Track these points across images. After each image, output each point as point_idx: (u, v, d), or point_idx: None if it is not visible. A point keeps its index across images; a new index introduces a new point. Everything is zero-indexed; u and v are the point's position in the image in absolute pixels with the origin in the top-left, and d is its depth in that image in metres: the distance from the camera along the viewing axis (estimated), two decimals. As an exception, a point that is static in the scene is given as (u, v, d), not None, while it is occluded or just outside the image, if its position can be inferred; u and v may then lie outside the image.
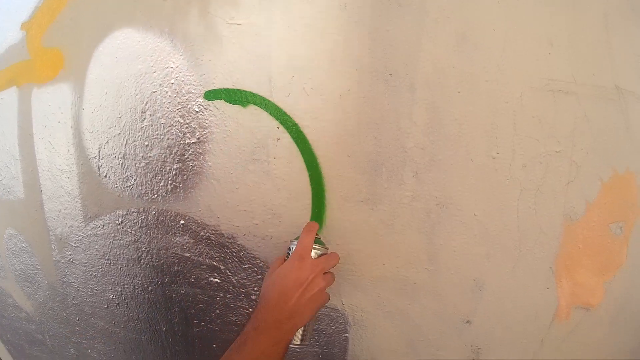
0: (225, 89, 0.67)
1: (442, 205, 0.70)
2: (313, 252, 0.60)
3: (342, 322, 0.75)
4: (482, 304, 0.78)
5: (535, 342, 0.85)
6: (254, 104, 0.67)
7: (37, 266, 0.92)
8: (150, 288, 0.79)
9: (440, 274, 0.74)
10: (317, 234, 0.63)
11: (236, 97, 0.67)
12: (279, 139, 0.67)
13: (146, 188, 0.74)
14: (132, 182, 0.75)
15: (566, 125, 0.76)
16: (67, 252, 0.86)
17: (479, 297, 0.77)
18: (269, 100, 0.66)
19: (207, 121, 0.68)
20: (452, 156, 0.69)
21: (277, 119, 0.67)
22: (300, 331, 0.59)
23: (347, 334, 0.76)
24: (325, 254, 0.62)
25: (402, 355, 0.79)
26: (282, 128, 0.67)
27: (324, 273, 0.60)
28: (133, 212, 0.76)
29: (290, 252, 0.62)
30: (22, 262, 0.94)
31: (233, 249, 0.72)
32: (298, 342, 0.59)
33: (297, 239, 0.62)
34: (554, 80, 0.74)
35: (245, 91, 0.67)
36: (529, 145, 0.73)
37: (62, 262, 0.87)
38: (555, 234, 0.79)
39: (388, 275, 0.72)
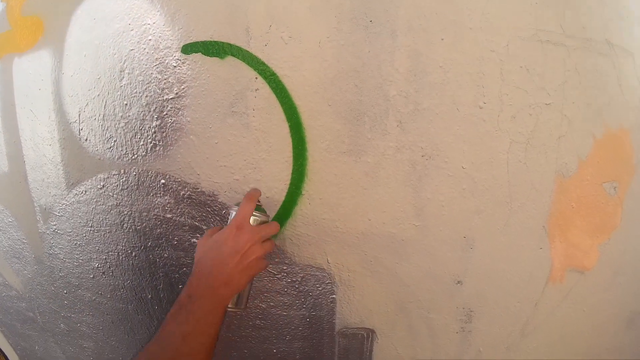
0: (202, 42, 0.66)
1: (428, 156, 0.68)
2: (252, 219, 0.59)
3: (328, 283, 0.73)
4: (473, 264, 0.75)
5: (529, 306, 0.82)
6: (232, 55, 0.65)
7: (23, 240, 0.91)
8: (134, 254, 0.78)
9: (429, 230, 0.72)
10: (258, 202, 0.61)
11: (213, 49, 0.65)
12: (257, 89, 0.65)
13: (126, 149, 0.72)
14: (112, 144, 0.73)
15: (556, 77, 0.74)
16: (52, 223, 0.85)
17: (469, 255, 0.75)
18: (247, 51, 0.65)
19: (184, 75, 0.67)
20: (438, 105, 0.67)
21: (255, 70, 0.65)
22: (235, 296, 0.58)
23: (334, 295, 0.74)
24: (266, 222, 0.61)
25: (392, 317, 0.77)
26: (260, 79, 0.65)
27: (263, 241, 0.58)
28: (114, 174, 0.75)
29: (229, 218, 0.60)
30: (9, 238, 0.93)
31: (214, 208, 0.70)
32: (233, 306, 0.58)
33: (237, 204, 0.60)
34: (542, 30, 0.72)
35: (222, 42, 0.65)
36: (517, 96, 0.71)
37: (48, 234, 0.86)
38: (547, 190, 0.76)
39: (374, 231, 0.70)
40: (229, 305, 0.57)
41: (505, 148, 0.72)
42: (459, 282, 0.75)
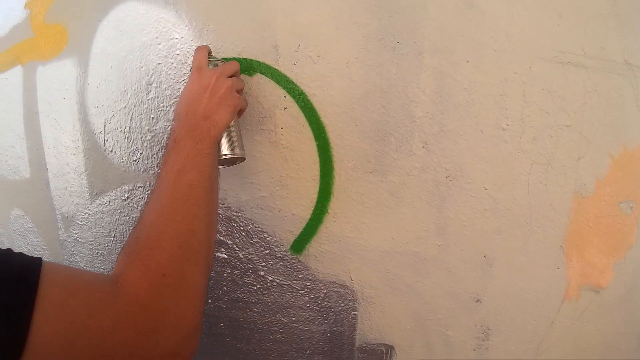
0: (231, 58, 0.66)
1: (451, 177, 0.69)
2: (215, 63, 0.59)
3: (350, 300, 0.74)
4: (492, 282, 0.76)
5: (545, 324, 0.83)
6: (260, 72, 0.66)
7: (43, 246, 0.91)
8: (156, 265, 0.78)
9: (450, 249, 0.72)
10: (210, 55, 0.62)
11: (242, 66, 0.66)
12: (286, 108, 0.66)
13: (152, 162, 0.73)
14: (138, 156, 0.74)
15: (576, 98, 0.75)
16: (73, 231, 0.85)
17: (489, 274, 0.75)
18: (276, 69, 0.65)
19: (213, 92, 0.67)
20: (462, 126, 0.68)
21: (283, 88, 0.66)
22: (224, 139, 0.57)
23: (356, 312, 0.75)
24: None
25: (411, 334, 0.77)
26: (289, 97, 0.66)
27: (230, 77, 0.58)
28: (139, 186, 0.75)
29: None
30: (28, 243, 0.94)
31: (240, 223, 0.71)
32: (227, 151, 0.57)
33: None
34: (563, 52, 0.73)
35: (251, 60, 0.66)
36: (539, 118, 0.72)
37: (69, 242, 0.86)
38: (565, 210, 0.77)
39: (397, 249, 0.71)
40: (223, 152, 0.57)
41: (527, 169, 0.72)
42: (478, 300, 0.76)
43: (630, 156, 0.83)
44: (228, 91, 0.56)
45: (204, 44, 0.65)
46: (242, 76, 0.66)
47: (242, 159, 0.61)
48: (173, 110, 0.70)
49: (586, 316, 0.86)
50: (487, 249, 0.73)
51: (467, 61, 0.68)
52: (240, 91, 0.60)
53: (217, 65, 0.60)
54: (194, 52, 0.62)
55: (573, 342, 0.87)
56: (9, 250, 0.37)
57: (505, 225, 0.73)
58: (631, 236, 0.88)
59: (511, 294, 0.78)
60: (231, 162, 0.61)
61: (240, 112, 0.62)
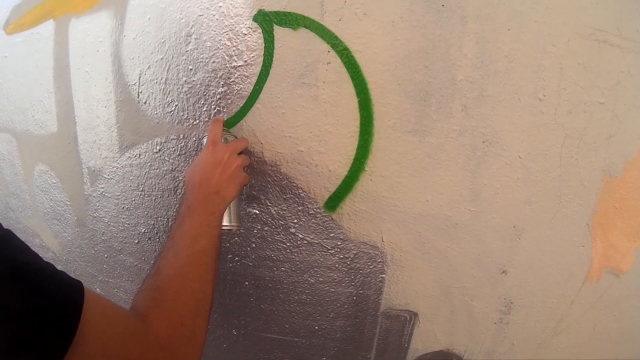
0: (275, 12, 0.66)
1: (488, 142, 0.69)
2: (223, 139, 0.65)
3: (380, 262, 0.74)
4: (519, 254, 0.76)
5: (565, 303, 0.83)
6: (305, 27, 0.66)
7: (67, 202, 0.91)
8: (183, 220, 0.78)
9: (482, 216, 0.72)
10: (224, 127, 0.67)
11: (286, 19, 0.66)
12: (329, 63, 0.66)
13: (187, 113, 0.73)
14: (173, 108, 0.74)
15: (610, 77, 0.75)
16: (99, 185, 0.85)
17: (517, 245, 0.76)
18: (320, 24, 0.65)
19: (255, 44, 0.68)
20: (500, 93, 0.68)
21: (327, 43, 0.66)
22: (226, 213, 0.64)
23: (384, 275, 0.75)
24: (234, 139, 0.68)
25: (436, 302, 0.77)
26: (332, 52, 0.66)
27: (238, 154, 0.65)
28: (172, 139, 0.75)
29: (202, 145, 0.67)
30: (51, 199, 0.93)
31: (275, 178, 0.71)
32: (227, 224, 0.65)
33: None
34: (599, 30, 0.73)
35: (296, 14, 0.66)
36: (574, 92, 0.72)
37: (94, 196, 0.86)
38: (594, 188, 0.77)
39: (430, 212, 0.71)
40: (224, 223, 0.64)
41: (560, 142, 0.73)
42: (503, 271, 0.76)
43: (659, 142, 0.83)
44: (237, 169, 0.63)
45: (220, 117, 0.70)
46: (285, 29, 0.66)
47: (238, 229, 0.71)
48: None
49: (604, 300, 0.86)
50: (517, 219, 0.73)
51: (509, 29, 0.68)
52: (245, 168, 0.68)
53: (228, 138, 0.67)
54: (210, 124, 0.67)
55: (589, 326, 0.87)
56: (53, 269, 0.42)
57: (536, 197, 0.73)
58: (653, 224, 0.89)
59: (536, 268, 0.78)
60: (227, 231, 0.70)
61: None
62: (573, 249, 0.79)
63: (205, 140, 0.67)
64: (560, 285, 0.81)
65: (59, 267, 0.42)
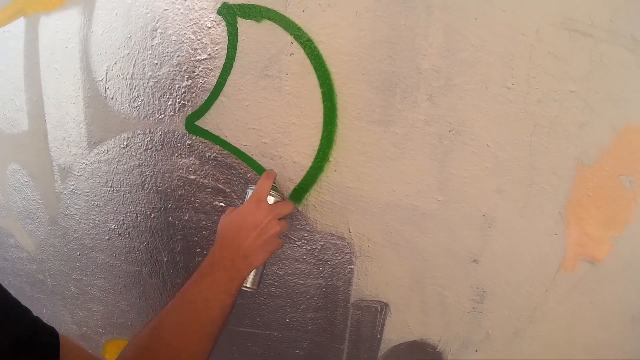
0: (239, 4, 0.66)
1: (455, 131, 0.69)
2: (270, 199, 0.62)
3: (348, 253, 0.74)
4: (490, 243, 0.76)
5: (540, 291, 0.83)
6: (268, 18, 0.66)
7: (39, 200, 0.90)
8: (152, 215, 0.78)
9: (450, 205, 0.72)
10: (274, 183, 0.64)
11: (250, 11, 0.66)
12: (292, 54, 0.66)
13: (153, 108, 0.72)
14: (140, 103, 0.73)
15: (582, 66, 0.75)
16: (70, 182, 0.84)
17: (487, 234, 0.75)
18: (284, 15, 0.65)
19: (219, 37, 0.67)
20: (468, 82, 0.68)
21: (291, 34, 0.65)
22: (252, 274, 0.61)
23: (352, 266, 0.75)
24: (281, 201, 0.64)
25: (407, 292, 0.77)
26: (296, 43, 0.65)
27: (279, 219, 0.61)
28: (139, 134, 0.74)
29: (246, 197, 0.63)
30: (24, 198, 0.93)
31: (240, 170, 0.71)
32: (249, 285, 0.61)
33: (254, 185, 0.63)
34: (571, 19, 0.73)
35: (260, 6, 0.65)
36: (544, 80, 0.72)
37: (65, 194, 0.85)
38: (567, 176, 0.77)
39: (397, 202, 0.71)
40: (245, 284, 0.61)
41: (530, 130, 0.72)
42: (475, 260, 0.76)
43: (634, 131, 0.83)
44: (273, 237, 0.59)
45: (272, 171, 0.66)
46: (249, 22, 0.66)
47: (255, 292, 0.66)
48: (178, 59, 0.69)
49: (580, 287, 0.86)
50: (487, 207, 0.73)
51: (476, 19, 0.68)
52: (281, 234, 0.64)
53: (273, 200, 0.63)
54: (261, 178, 0.63)
55: (566, 314, 0.88)
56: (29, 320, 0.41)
57: (505, 185, 0.73)
58: (628, 211, 0.89)
59: (508, 256, 0.78)
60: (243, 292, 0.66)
61: None
62: (545, 237, 0.79)
63: (249, 192, 0.64)
64: (533, 273, 0.81)
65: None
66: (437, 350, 0.82)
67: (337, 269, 0.75)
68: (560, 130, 0.74)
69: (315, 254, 0.74)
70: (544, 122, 0.73)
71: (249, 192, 0.64)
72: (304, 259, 0.74)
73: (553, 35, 0.72)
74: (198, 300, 0.53)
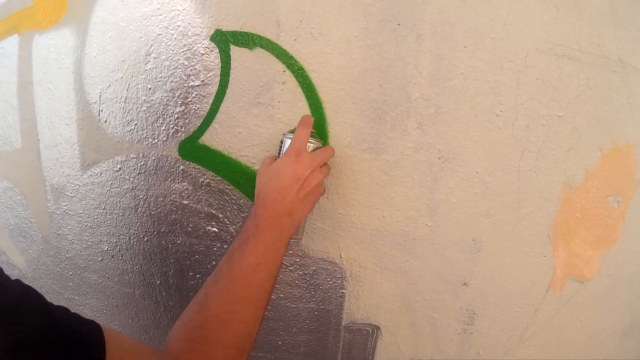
0: (232, 32, 0.67)
1: (444, 159, 0.70)
2: (309, 146, 0.59)
3: (339, 277, 0.74)
4: (479, 266, 0.77)
5: (529, 312, 0.84)
6: (261, 46, 0.66)
7: (31, 219, 0.90)
8: (146, 238, 0.78)
9: (440, 231, 0.73)
10: (312, 130, 0.61)
11: (243, 39, 0.66)
12: (284, 82, 0.66)
13: (147, 132, 0.73)
14: (133, 127, 0.74)
15: (569, 91, 0.76)
16: (62, 203, 0.84)
17: (477, 258, 0.76)
18: (276, 44, 0.66)
19: (212, 64, 0.68)
20: (457, 110, 0.69)
21: (283, 63, 0.66)
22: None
23: (344, 290, 0.75)
24: (320, 147, 0.61)
25: (398, 315, 0.78)
26: (288, 72, 0.66)
27: (321, 166, 0.59)
28: (132, 157, 0.75)
29: (283, 147, 0.61)
30: (16, 216, 0.93)
31: (233, 196, 0.71)
32: (294, 236, 0.60)
33: (291, 132, 0.61)
34: (558, 45, 0.75)
35: (252, 34, 0.66)
36: (532, 106, 0.73)
37: (57, 214, 0.86)
38: (554, 199, 0.79)
39: (388, 228, 0.72)
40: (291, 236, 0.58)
41: (518, 156, 0.74)
42: (464, 283, 0.77)
43: (619, 152, 0.85)
44: (316, 188, 0.57)
45: (310, 117, 0.63)
46: (242, 49, 0.67)
47: (300, 240, 0.66)
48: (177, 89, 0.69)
49: (570, 306, 0.87)
50: (476, 232, 0.74)
51: (465, 47, 0.69)
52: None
53: (312, 147, 0.60)
54: (297, 126, 0.60)
55: (556, 332, 0.89)
56: (69, 314, 0.41)
57: (494, 210, 0.74)
58: (617, 230, 0.90)
59: (497, 279, 0.79)
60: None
61: None
62: (534, 259, 0.80)
63: (286, 142, 0.60)
64: (523, 294, 0.83)
65: (25, 283, 0.42)
66: (428, 371, 0.83)
67: (329, 293, 0.75)
68: (548, 154, 0.76)
69: (308, 279, 0.74)
70: (532, 147, 0.74)
71: (286, 141, 0.60)
72: (296, 283, 0.75)
73: (541, 61, 0.73)
74: (244, 265, 0.50)
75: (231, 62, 0.67)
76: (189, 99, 0.69)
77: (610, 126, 0.81)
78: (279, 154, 0.62)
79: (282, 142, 0.62)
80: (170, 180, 0.73)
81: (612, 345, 0.98)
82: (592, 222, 0.84)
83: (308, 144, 0.59)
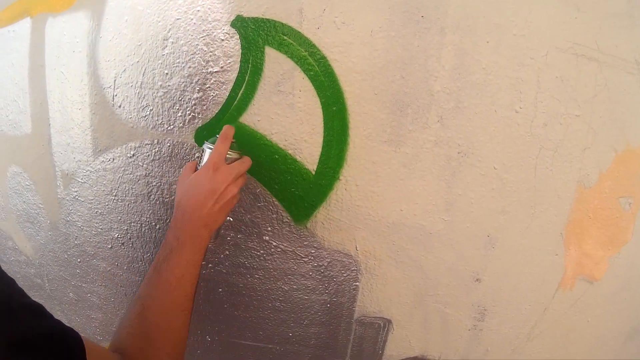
0: (253, 18, 0.66)
1: (463, 153, 0.70)
2: (227, 158, 0.61)
3: (354, 270, 0.74)
4: (493, 263, 0.77)
5: (539, 310, 0.85)
6: (283, 34, 0.65)
7: (40, 205, 0.89)
8: (158, 226, 0.77)
9: (456, 226, 0.73)
10: (233, 140, 0.62)
11: (265, 26, 0.65)
12: (305, 70, 0.66)
13: (162, 118, 0.72)
14: (148, 112, 0.73)
15: (587, 90, 0.76)
16: (72, 189, 0.83)
17: (491, 254, 0.76)
18: (299, 32, 0.65)
19: (232, 50, 0.67)
20: (477, 105, 0.69)
21: (305, 51, 0.65)
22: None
23: (357, 283, 0.75)
24: (238, 159, 0.63)
25: (410, 309, 0.78)
26: (310, 60, 0.65)
27: (237, 179, 0.61)
28: (146, 144, 0.74)
29: (204, 155, 0.62)
30: (24, 202, 0.91)
31: (249, 185, 0.70)
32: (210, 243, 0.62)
33: (212, 141, 0.62)
34: (578, 44, 0.74)
35: (275, 21, 0.65)
36: (551, 104, 0.73)
37: (67, 200, 0.84)
38: (568, 198, 0.79)
39: (405, 222, 0.71)
40: None
41: (535, 153, 0.74)
42: (477, 279, 0.77)
43: (632, 153, 0.85)
44: (231, 199, 0.61)
45: (231, 128, 0.64)
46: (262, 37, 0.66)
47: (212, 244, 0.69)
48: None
49: (578, 306, 0.88)
50: (491, 228, 0.74)
51: (487, 42, 0.69)
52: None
53: (231, 159, 0.62)
54: (218, 138, 0.62)
55: (563, 331, 0.89)
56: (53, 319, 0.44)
57: (510, 207, 0.74)
58: (627, 232, 0.91)
59: (510, 276, 0.79)
60: None
61: None
62: (547, 257, 0.80)
63: (207, 151, 0.62)
64: (533, 292, 0.83)
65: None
66: (437, 366, 0.83)
67: (343, 286, 0.75)
68: (564, 153, 0.76)
69: (322, 271, 0.74)
70: (549, 145, 0.74)
71: (207, 151, 0.62)
72: (310, 275, 0.74)
73: (560, 59, 0.73)
74: (171, 278, 0.56)
75: (252, 49, 0.66)
76: (207, 85, 0.68)
77: (625, 127, 0.81)
78: (200, 162, 0.63)
79: (203, 151, 0.64)
80: (185, 168, 0.72)
81: (617, 346, 0.99)
82: (603, 222, 0.85)
83: (227, 155, 0.61)
